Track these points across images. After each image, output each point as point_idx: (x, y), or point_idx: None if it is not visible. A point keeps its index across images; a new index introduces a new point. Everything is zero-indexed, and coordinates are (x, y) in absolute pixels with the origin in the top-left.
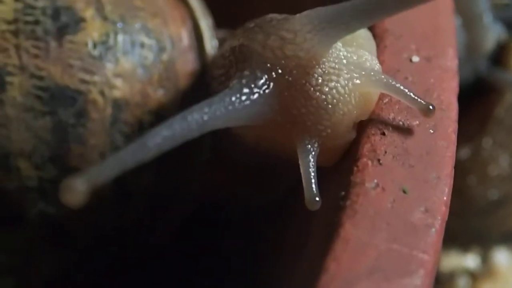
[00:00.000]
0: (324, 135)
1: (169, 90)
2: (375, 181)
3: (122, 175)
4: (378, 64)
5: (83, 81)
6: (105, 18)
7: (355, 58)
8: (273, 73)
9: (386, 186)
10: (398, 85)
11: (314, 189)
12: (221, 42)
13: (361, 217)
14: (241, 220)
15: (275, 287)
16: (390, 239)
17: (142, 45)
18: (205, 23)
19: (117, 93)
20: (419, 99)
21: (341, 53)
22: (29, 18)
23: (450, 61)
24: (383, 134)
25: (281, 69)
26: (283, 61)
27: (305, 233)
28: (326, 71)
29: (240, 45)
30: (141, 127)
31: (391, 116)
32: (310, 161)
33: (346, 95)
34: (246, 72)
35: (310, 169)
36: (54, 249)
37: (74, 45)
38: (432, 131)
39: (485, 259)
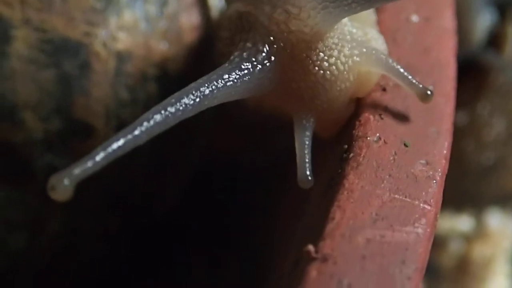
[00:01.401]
0: (320, 110)
1: (173, 43)
2: (377, 134)
3: (129, 124)
4: (383, 43)
5: (86, 34)
6: None
7: (360, 34)
8: (276, 47)
9: (388, 139)
10: (398, 67)
11: (307, 168)
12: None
13: (364, 168)
14: (244, 182)
15: (278, 240)
16: (393, 189)
17: None
18: None
19: (120, 46)
20: (418, 84)
21: (346, 29)
22: None
23: (448, 21)
24: (384, 90)
25: (284, 43)
26: (286, 35)
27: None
28: (328, 47)
29: (247, 12)
30: (145, 80)
31: None
32: (305, 139)
33: (345, 72)
34: (249, 44)
35: (305, 149)
36: (62, 205)
37: None
38: (431, 88)
39: (478, 221)
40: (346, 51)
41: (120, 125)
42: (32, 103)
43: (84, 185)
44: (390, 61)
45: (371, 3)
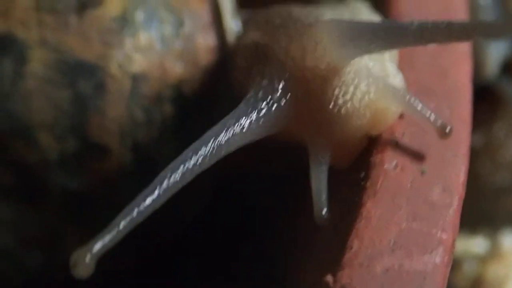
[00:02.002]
0: (336, 145)
1: (189, 65)
2: (395, 161)
3: (143, 147)
4: (401, 80)
5: (102, 55)
6: None
7: (377, 69)
8: (291, 83)
9: (405, 166)
10: (416, 104)
11: (324, 205)
12: (244, 23)
13: (381, 196)
14: (259, 202)
15: (294, 263)
16: (410, 217)
17: (162, 20)
18: (228, 1)
19: (135, 67)
20: (438, 119)
21: (363, 63)
22: None
23: (464, 45)
24: (401, 116)
25: (299, 79)
26: (302, 71)
27: None
28: (344, 82)
29: (263, 44)
30: (160, 101)
31: None
32: (321, 174)
33: (361, 109)
34: (265, 82)
35: (321, 185)
36: (78, 224)
37: (94, 19)
38: (448, 112)
39: (493, 242)
40: (363, 87)
41: (135, 146)
42: (48, 123)
43: (102, 206)
44: (408, 97)
45: (391, 46)
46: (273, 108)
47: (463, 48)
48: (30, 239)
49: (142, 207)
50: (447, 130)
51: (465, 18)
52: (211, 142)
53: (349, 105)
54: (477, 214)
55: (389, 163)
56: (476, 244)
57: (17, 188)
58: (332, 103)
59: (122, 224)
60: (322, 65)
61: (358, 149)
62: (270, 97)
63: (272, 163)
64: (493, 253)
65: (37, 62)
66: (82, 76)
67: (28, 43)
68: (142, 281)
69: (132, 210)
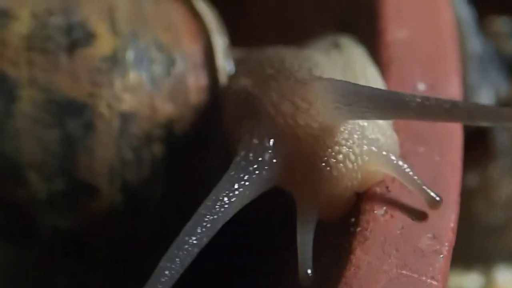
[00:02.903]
0: (324, 204)
1: (179, 104)
2: (384, 208)
3: (133, 187)
4: (396, 143)
5: (91, 94)
6: (116, 33)
7: (371, 131)
8: (282, 141)
9: (395, 213)
10: (408, 171)
11: (309, 266)
12: (237, 62)
13: (371, 243)
14: (255, 242)
15: None
16: (400, 265)
17: (152, 60)
18: (220, 41)
19: (124, 106)
20: (427, 190)
21: (355, 124)
22: (42, 34)
23: (455, 88)
24: None
25: (291, 138)
26: (293, 129)
27: (313, 259)
28: (337, 143)
29: (254, 96)
30: (150, 140)
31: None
32: (308, 234)
33: (352, 171)
34: (255, 141)
35: (307, 245)
36: (70, 262)
37: (84, 59)
38: (438, 159)
39: (488, 278)
40: (356, 148)
41: (125, 186)
42: (36, 163)
43: (93, 245)
44: (401, 164)
45: (385, 116)
46: (264, 171)
47: (454, 92)
48: (21, 277)
49: None
50: (437, 201)
51: (456, 64)
52: (206, 219)
53: (341, 165)
54: (472, 252)
55: (379, 209)
56: (470, 281)
57: (9, 228)
58: (323, 164)
59: None
60: (314, 124)
61: (346, 207)
62: (260, 158)
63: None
64: None
65: (26, 102)
66: (70, 116)
67: (18, 82)
68: None
69: None
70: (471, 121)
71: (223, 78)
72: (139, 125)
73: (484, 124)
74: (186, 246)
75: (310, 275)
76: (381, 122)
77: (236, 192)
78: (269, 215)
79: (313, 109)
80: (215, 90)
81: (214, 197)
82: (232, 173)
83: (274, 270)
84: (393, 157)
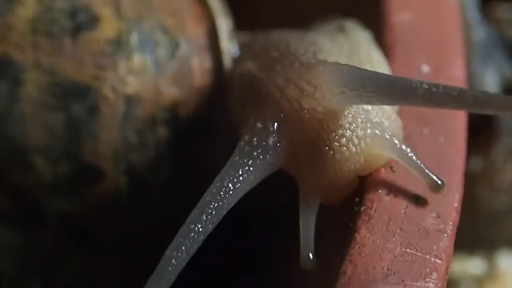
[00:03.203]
0: (327, 187)
1: (184, 87)
2: (388, 188)
3: (137, 170)
4: (400, 128)
5: (95, 77)
6: (121, 16)
7: (375, 114)
8: (286, 125)
9: (399, 193)
10: (411, 155)
11: (311, 249)
12: (241, 46)
13: (375, 222)
14: (260, 227)
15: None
16: (404, 243)
17: (157, 43)
18: (224, 23)
19: (129, 89)
20: (430, 174)
21: (360, 107)
22: (47, 18)
23: (459, 71)
24: None
25: (295, 121)
26: (298, 113)
27: (318, 238)
28: (341, 126)
29: (259, 79)
30: (154, 124)
31: (403, 125)
32: (310, 218)
33: (355, 154)
34: (259, 125)
35: (310, 228)
36: (75, 248)
37: (88, 42)
38: (442, 140)
39: (490, 263)
40: (359, 131)
41: (129, 169)
42: (41, 146)
43: (98, 231)
44: (404, 147)
45: (392, 101)
46: (268, 155)
47: (458, 74)
48: (29, 264)
49: None
50: (439, 185)
51: (461, 47)
52: (211, 206)
53: (344, 149)
54: (475, 237)
55: (383, 189)
56: (474, 266)
57: (14, 212)
58: (327, 147)
59: None
60: (319, 108)
61: (349, 190)
62: (264, 143)
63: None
64: (490, 275)
65: (32, 85)
66: (75, 99)
67: (23, 65)
68: None
69: None
70: (478, 109)
71: (227, 61)
72: (144, 108)
73: (490, 112)
74: (192, 234)
75: (312, 258)
76: (385, 106)
77: (241, 178)
78: (272, 208)
79: (318, 93)
80: (219, 73)
81: (218, 184)
82: (236, 158)
83: (277, 262)
84: (396, 141)
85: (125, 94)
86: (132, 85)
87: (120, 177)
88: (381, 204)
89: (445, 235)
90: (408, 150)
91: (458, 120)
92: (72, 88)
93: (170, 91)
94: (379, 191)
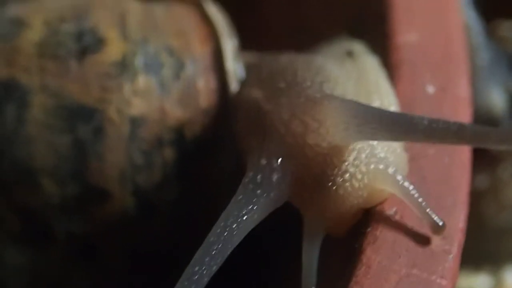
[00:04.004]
0: (330, 220)
1: (189, 107)
2: (394, 208)
3: (144, 191)
4: (404, 160)
5: (100, 99)
6: (127, 38)
7: (379, 149)
8: (291, 161)
9: (404, 213)
10: (413, 193)
11: (312, 282)
12: (248, 67)
13: (381, 243)
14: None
15: None
16: (410, 264)
17: (162, 64)
18: (229, 43)
19: (134, 111)
20: (431, 215)
21: (365, 143)
22: (54, 41)
23: (464, 90)
24: None
25: (299, 157)
26: (302, 149)
27: (323, 259)
28: (344, 162)
29: (265, 111)
30: (160, 144)
31: (408, 145)
32: (314, 251)
33: (358, 189)
34: (263, 161)
35: (313, 262)
36: (85, 267)
37: (94, 64)
38: (447, 160)
39: (497, 280)
40: (363, 167)
41: (136, 190)
42: (49, 168)
43: (107, 250)
44: (406, 185)
45: (394, 137)
46: (272, 193)
47: (463, 94)
48: (40, 283)
49: None
50: (440, 226)
51: (466, 66)
52: (215, 247)
53: (347, 184)
54: (481, 253)
55: (389, 209)
56: (480, 282)
57: (24, 233)
58: (330, 183)
59: None
60: (323, 144)
61: (352, 222)
62: (268, 180)
63: None
64: None
65: (38, 108)
66: (81, 121)
67: (30, 88)
68: None
69: None
70: (478, 144)
71: (233, 81)
72: (149, 129)
73: (491, 147)
74: (196, 277)
75: None
76: (390, 142)
77: (245, 218)
78: (282, 224)
79: (322, 128)
80: (225, 94)
81: (222, 223)
82: (240, 197)
83: (286, 280)
84: (399, 178)
85: (130, 116)
86: (137, 106)
87: (127, 197)
88: (386, 225)
89: (451, 255)
90: (411, 187)
91: None
92: (78, 110)
93: (176, 112)
94: (385, 212)
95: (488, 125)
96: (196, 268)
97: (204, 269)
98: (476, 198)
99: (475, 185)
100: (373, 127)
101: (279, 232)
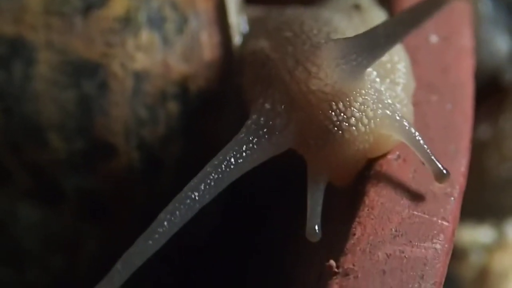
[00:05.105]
0: (335, 166)
1: (193, 61)
2: (397, 153)
3: (149, 145)
4: (410, 111)
5: (104, 55)
6: None
7: (388, 95)
8: (295, 108)
9: (407, 157)
10: (420, 141)
11: (317, 223)
12: (253, 21)
13: (384, 185)
14: (272, 196)
15: (302, 252)
16: (412, 206)
17: (165, 19)
18: None
19: (137, 65)
20: (436, 162)
21: (372, 88)
22: None
23: (467, 40)
24: None
25: (303, 104)
26: (306, 95)
27: (326, 203)
28: (351, 107)
29: (271, 60)
30: (164, 98)
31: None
32: (318, 194)
33: (365, 134)
34: (267, 106)
35: (317, 205)
36: (94, 223)
37: (98, 20)
38: (450, 107)
39: (499, 232)
40: (370, 112)
41: (141, 144)
42: (55, 123)
43: (115, 205)
44: (413, 131)
45: (374, 56)
46: (275, 135)
47: (466, 44)
48: (51, 240)
49: (141, 251)
50: (444, 174)
51: (468, 16)
52: (211, 177)
53: (353, 129)
54: (484, 205)
55: (392, 154)
56: (483, 234)
57: (35, 190)
58: (336, 128)
59: (123, 269)
60: (326, 89)
61: (356, 170)
62: (271, 122)
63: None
64: (499, 244)
65: (44, 64)
66: (85, 76)
67: (36, 45)
68: None
69: (132, 255)
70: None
71: (236, 35)
72: (153, 84)
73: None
74: (188, 201)
75: (318, 231)
76: (399, 91)
77: (244, 154)
78: (277, 179)
79: (321, 72)
80: (229, 47)
81: (221, 157)
82: (242, 135)
83: (286, 226)
84: (406, 123)
85: (134, 70)
86: (141, 61)
87: (133, 152)
88: (389, 168)
89: (452, 198)
90: (417, 134)
91: (466, 88)
92: (83, 65)
93: (179, 66)
94: (388, 156)
95: (493, 74)
96: (189, 193)
97: (197, 195)
98: (478, 150)
99: (477, 136)
100: (354, 52)
101: (274, 189)
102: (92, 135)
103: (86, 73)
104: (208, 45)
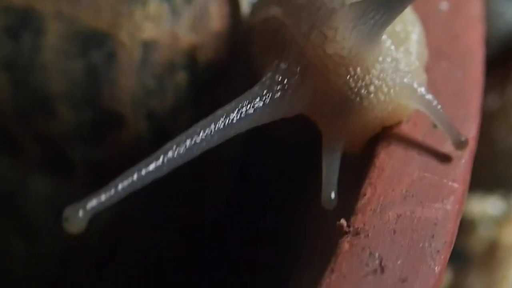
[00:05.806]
0: (352, 133)
1: (201, 32)
2: (407, 117)
3: (158, 116)
4: (424, 80)
5: (112, 24)
6: None
7: (404, 64)
8: (311, 71)
9: (418, 121)
10: (439, 107)
11: (333, 191)
12: None
13: (394, 147)
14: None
15: (311, 218)
16: (422, 168)
17: None
18: None
19: (145, 35)
20: (455, 130)
21: (389, 56)
22: None
23: (477, 8)
24: None
25: (320, 68)
26: (323, 59)
27: None
28: (370, 74)
29: (285, 26)
30: (173, 69)
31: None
32: (334, 162)
33: (383, 102)
34: (282, 65)
35: (333, 173)
36: None
37: None
38: (460, 73)
39: (509, 204)
40: (389, 80)
41: (149, 114)
42: (63, 93)
43: (118, 171)
44: (432, 98)
45: (392, 12)
46: (289, 93)
47: (476, 12)
48: (61, 212)
49: (143, 172)
50: (463, 141)
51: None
52: (221, 120)
53: (372, 96)
54: (492, 176)
55: None
56: (492, 206)
57: (45, 160)
58: (354, 95)
59: (121, 186)
60: (343, 52)
61: (369, 137)
62: (287, 80)
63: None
64: (509, 216)
65: (53, 34)
66: (93, 46)
67: (45, 15)
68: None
69: (133, 174)
70: None
71: (245, 5)
72: (161, 54)
73: None
74: (196, 136)
75: (333, 198)
76: (413, 60)
77: (256, 105)
78: (284, 154)
79: (338, 35)
80: (237, 17)
81: (234, 104)
82: (257, 88)
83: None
84: (425, 92)
85: (142, 40)
86: (149, 31)
87: (141, 122)
88: (400, 131)
89: (463, 160)
90: (436, 102)
91: (476, 55)
92: (91, 35)
93: (188, 37)
94: None
95: (504, 43)
96: (198, 129)
97: (206, 135)
98: (487, 121)
99: (485, 106)
100: (372, 15)
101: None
102: (100, 105)
103: (94, 43)
104: (217, 16)
